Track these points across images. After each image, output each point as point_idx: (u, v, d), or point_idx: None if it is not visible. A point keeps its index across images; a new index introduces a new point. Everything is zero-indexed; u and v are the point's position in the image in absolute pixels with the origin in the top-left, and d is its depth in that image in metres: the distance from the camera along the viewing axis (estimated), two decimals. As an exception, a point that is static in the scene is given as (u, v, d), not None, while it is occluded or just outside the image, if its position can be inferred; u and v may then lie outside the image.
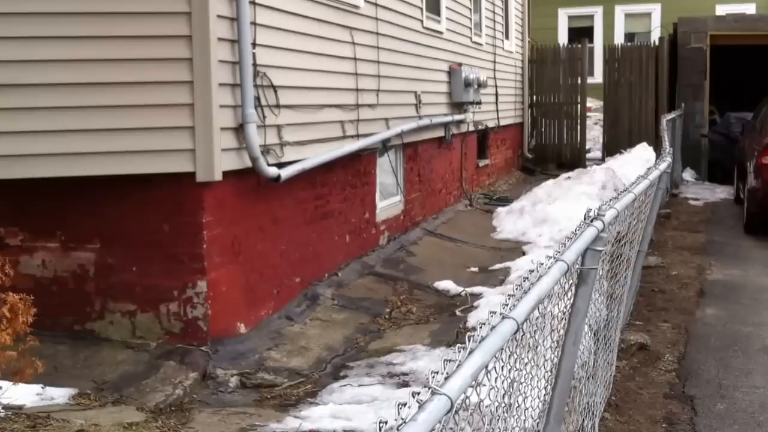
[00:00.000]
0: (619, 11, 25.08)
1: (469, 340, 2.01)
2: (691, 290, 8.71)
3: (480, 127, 14.08)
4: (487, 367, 2.06)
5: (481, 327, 2.11)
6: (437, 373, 1.81)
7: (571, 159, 18.08)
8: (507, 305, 2.33)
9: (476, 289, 8.15)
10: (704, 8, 21.87)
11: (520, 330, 2.37)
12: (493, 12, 15.46)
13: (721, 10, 22.63)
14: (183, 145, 5.84)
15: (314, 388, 5.74)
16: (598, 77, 20.36)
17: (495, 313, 2.22)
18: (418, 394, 1.70)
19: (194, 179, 5.87)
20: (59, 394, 5.14)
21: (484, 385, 2.17)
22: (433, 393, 1.73)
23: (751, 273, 9.59)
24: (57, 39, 5.68)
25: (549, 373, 3.35)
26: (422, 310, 7.65)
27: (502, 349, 2.22)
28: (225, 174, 5.99)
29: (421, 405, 1.69)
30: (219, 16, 5.91)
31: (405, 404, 1.64)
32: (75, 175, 5.82)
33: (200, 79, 5.80)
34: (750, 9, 23.39)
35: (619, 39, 23.66)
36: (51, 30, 5.66)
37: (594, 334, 4.62)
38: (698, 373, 6.20)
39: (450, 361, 1.89)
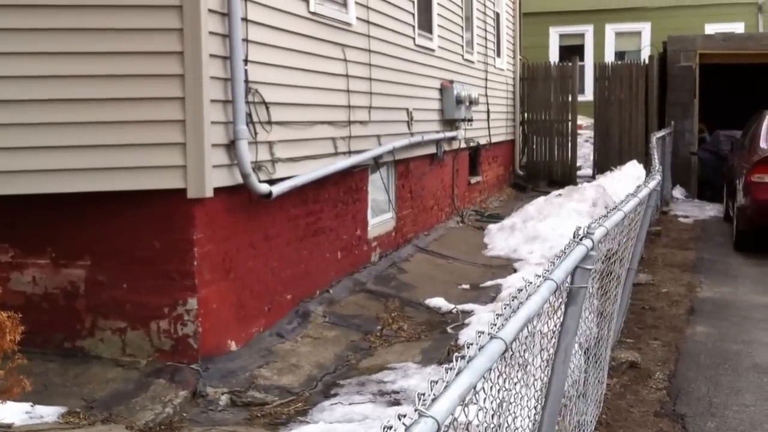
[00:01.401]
0: (610, 30, 25.24)
1: (456, 360, 2.00)
2: (681, 308, 8.72)
3: (472, 144, 14.11)
4: (475, 387, 2.06)
5: (468, 347, 2.11)
6: (424, 394, 1.81)
7: (562, 176, 18.14)
8: (495, 325, 2.33)
9: (467, 307, 8.15)
10: (693, 27, 22.03)
11: (509, 350, 2.37)
12: (485, 30, 15.52)
13: (710, 29, 22.79)
14: (174, 161, 5.84)
15: (305, 407, 5.72)
16: (588, 95, 20.46)
17: (483, 332, 2.21)
18: (404, 416, 1.70)
19: (185, 196, 5.86)
20: (49, 413, 5.11)
21: (474, 403, 2.17)
22: (420, 415, 1.72)
23: (740, 291, 9.62)
24: (49, 55, 5.68)
25: (539, 392, 3.35)
26: (413, 328, 7.64)
27: (491, 369, 2.22)
28: (216, 190, 5.99)
29: (407, 428, 1.68)
30: (211, 33, 5.92)
31: (391, 428, 1.63)
32: (66, 192, 5.82)
33: (192, 95, 5.81)
34: (739, 28, 23.56)
35: (609, 57, 23.82)
36: (42, 46, 5.66)
37: (584, 352, 4.62)
38: (689, 391, 6.20)
39: (437, 381, 1.88)
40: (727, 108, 18.52)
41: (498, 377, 2.47)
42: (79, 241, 6.04)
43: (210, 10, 5.90)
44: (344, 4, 8.49)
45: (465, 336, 6.84)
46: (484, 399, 2.27)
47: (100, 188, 5.83)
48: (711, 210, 16.13)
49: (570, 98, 18.49)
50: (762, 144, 12.34)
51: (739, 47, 17.98)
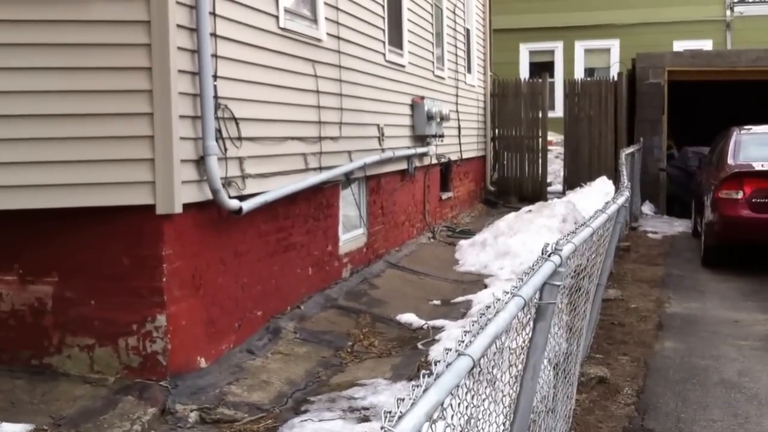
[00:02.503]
0: (579, 47, 25.47)
1: (424, 378, 2.01)
2: (650, 323, 8.78)
3: (443, 160, 14.16)
4: (442, 404, 2.06)
5: (436, 364, 2.11)
6: (390, 412, 1.81)
7: (533, 192, 18.23)
8: (463, 342, 2.33)
9: (438, 322, 8.15)
10: (662, 44, 22.28)
11: (477, 366, 2.37)
12: (456, 46, 15.61)
13: (678, 46, 23.06)
14: (143, 177, 5.81)
15: (275, 423, 5.69)
16: (558, 111, 20.62)
17: (451, 350, 2.22)
18: (370, 435, 1.70)
19: (154, 212, 5.83)
20: (16, 430, 5.05)
21: (442, 419, 2.17)
22: (386, 433, 1.73)
23: (708, 306, 9.70)
24: (13, 69, 5.62)
25: (507, 409, 3.36)
26: (384, 344, 7.63)
27: (458, 386, 2.23)
28: (185, 206, 5.95)
29: (375, 445, 1.69)
30: (179, 48, 5.90)
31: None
32: (33, 208, 5.76)
33: (160, 110, 5.78)
34: (707, 45, 23.88)
35: (579, 74, 24.05)
36: (6, 60, 5.60)
37: (554, 368, 4.64)
38: (657, 407, 6.24)
39: (403, 399, 1.88)
40: (695, 125, 18.75)
41: (466, 394, 2.48)
42: (46, 258, 5.99)
43: (178, 26, 5.89)
44: (314, 20, 8.51)
45: (435, 352, 6.85)
46: (452, 416, 2.27)
47: (68, 204, 5.78)
48: (679, 226, 16.27)
49: (540, 114, 18.63)
50: (730, 161, 12.48)
51: (706, 65, 18.21)
